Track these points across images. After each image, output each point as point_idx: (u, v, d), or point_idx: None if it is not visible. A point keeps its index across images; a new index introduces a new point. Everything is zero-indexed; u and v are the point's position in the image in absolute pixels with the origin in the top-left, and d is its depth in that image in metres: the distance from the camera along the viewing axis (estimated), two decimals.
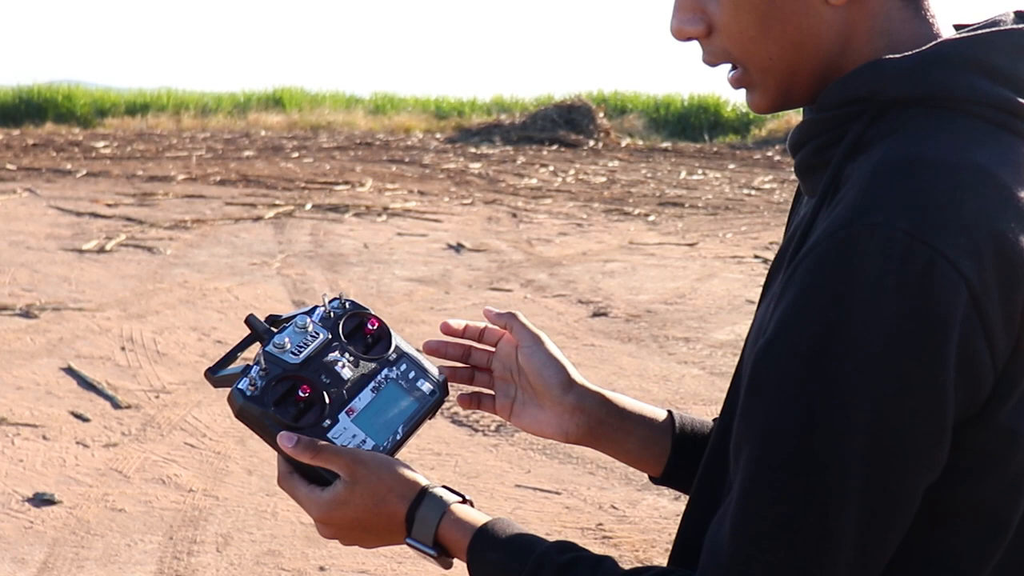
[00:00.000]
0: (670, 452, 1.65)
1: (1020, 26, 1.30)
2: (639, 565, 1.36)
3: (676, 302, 9.51)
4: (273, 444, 1.47)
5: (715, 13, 1.30)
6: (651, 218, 14.65)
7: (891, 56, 1.26)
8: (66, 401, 6.54)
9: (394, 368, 1.60)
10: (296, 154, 21.66)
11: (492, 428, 6.25)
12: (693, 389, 7.04)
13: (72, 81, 36.38)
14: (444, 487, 1.49)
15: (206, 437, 6.02)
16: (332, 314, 1.60)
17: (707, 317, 9.00)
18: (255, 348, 1.58)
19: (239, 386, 1.50)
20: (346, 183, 17.27)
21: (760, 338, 1.21)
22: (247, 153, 21.63)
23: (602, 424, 1.64)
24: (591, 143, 25.86)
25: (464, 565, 1.45)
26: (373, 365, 1.58)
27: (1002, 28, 1.29)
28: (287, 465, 1.49)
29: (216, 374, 1.58)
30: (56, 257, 10.84)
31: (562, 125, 26.94)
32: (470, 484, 5.53)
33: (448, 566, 1.48)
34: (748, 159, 23.29)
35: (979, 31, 1.29)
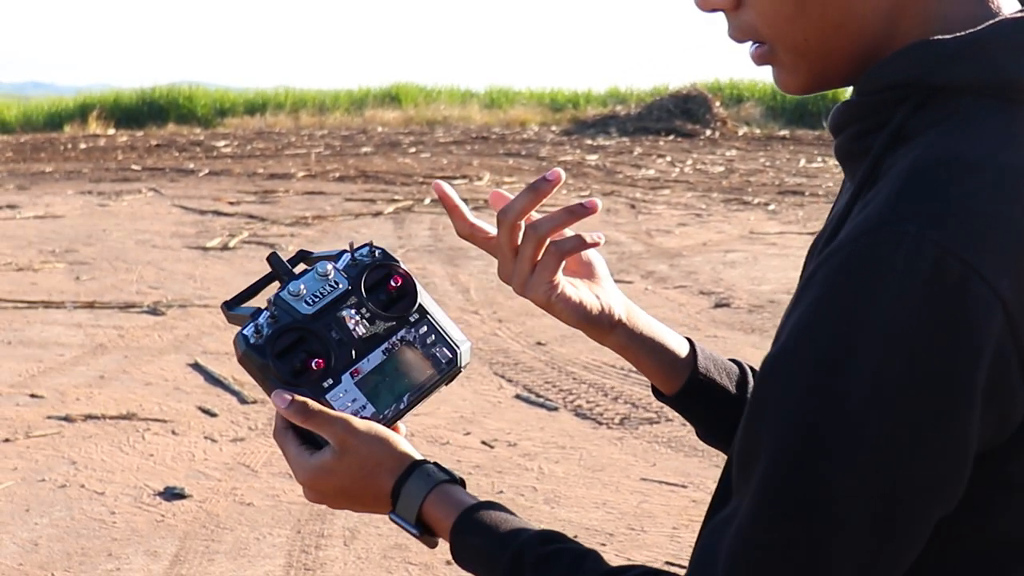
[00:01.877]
0: (682, 388, 1.53)
1: None
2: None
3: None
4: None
5: None
6: (771, 207, 14.47)
7: (941, 36, 1.10)
8: (194, 396, 6.63)
9: (412, 330, 1.46)
10: (413, 149, 21.79)
11: (616, 421, 6.21)
12: None
13: (192, 82, 36.96)
14: (436, 464, 1.39)
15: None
16: (357, 263, 1.48)
17: None
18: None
19: (244, 331, 1.41)
20: (463, 177, 17.31)
21: (775, 341, 1.08)
22: (365, 149, 21.81)
23: (628, 340, 1.53)
24: (708, 132, 25.68)
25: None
26: (390, 324, 1.45)
27: None
28: (283, 420, 1.42)
29: (232, 310, 1.48)
30: (181, 255, 11.01)
31: (678, 115, 26.78)
32: (595, 477, 5.49)
33: (432, 545, 1.41)
34: None
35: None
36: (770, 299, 9.08)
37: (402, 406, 1.43)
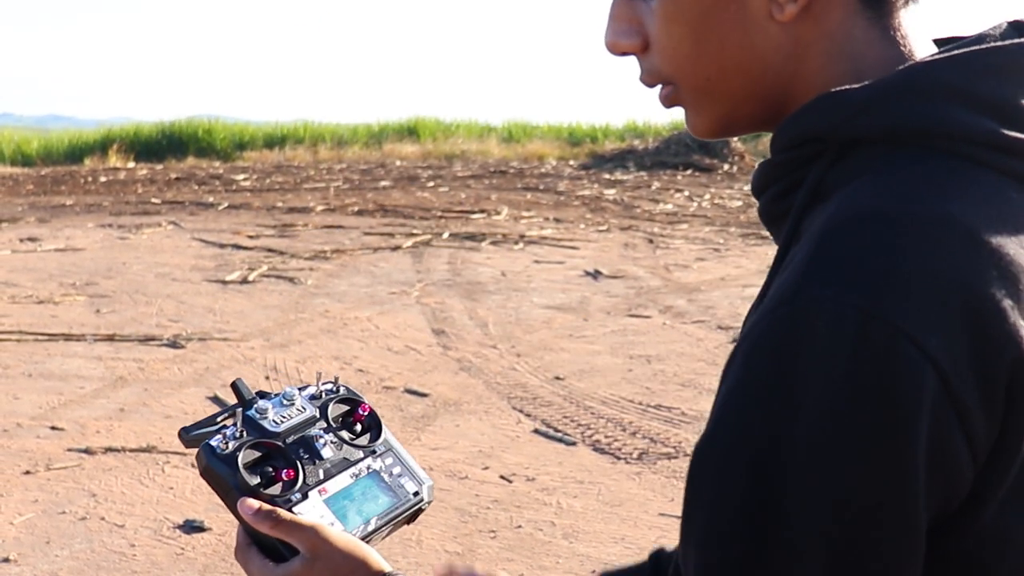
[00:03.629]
0: None
1: (1007, 42, 1.08)
2: None
3: None
4: (234, 510, 1.34)
5: (650, 26, 1.14)
6: None
7: (849, 87, 1.06)
8: None
9: (379, 459, 1.46)
10: (432, 183, 21.85)
11: (635, 456, 6.21)
12: None
13: (212, 116, 37.15)
14: None
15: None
16: (323, 394, 1.50)
17: None
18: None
19: (210, 442, 1.38)
20: (482, 211, 17.36)
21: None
22: (383, 183, 21.89)
23: None
24: (725, 167, 25.69)
25: None
26: (358, 453, 1.46)
27: (986, 46, 1.08)
28: (246, 536, 1.36)
29: (190, 433, 1.45)
30: (201, 288, 11.06)
31: (696, 149, 26.80)
32: (613, 512, 5.49)
33: None
34: None
35: (957, 51, 1.07)
36: None
37: (369, 528, 1.40)
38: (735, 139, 27.52)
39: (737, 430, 0.96)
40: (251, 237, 14.44)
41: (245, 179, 22.63)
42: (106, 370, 7.93)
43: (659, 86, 1.17)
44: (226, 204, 17.98)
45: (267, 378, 7.71)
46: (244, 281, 11.45)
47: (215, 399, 7.21)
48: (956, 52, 1.06)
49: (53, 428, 6.60)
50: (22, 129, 41.43)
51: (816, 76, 1.11)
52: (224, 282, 11.38)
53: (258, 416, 1.41)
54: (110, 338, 8.83)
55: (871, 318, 0.92)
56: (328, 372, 7.83)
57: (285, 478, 1.37)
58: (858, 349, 0.91)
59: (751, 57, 1.12)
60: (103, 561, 4.95)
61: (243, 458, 1.37)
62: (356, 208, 17.62)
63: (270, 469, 1.38)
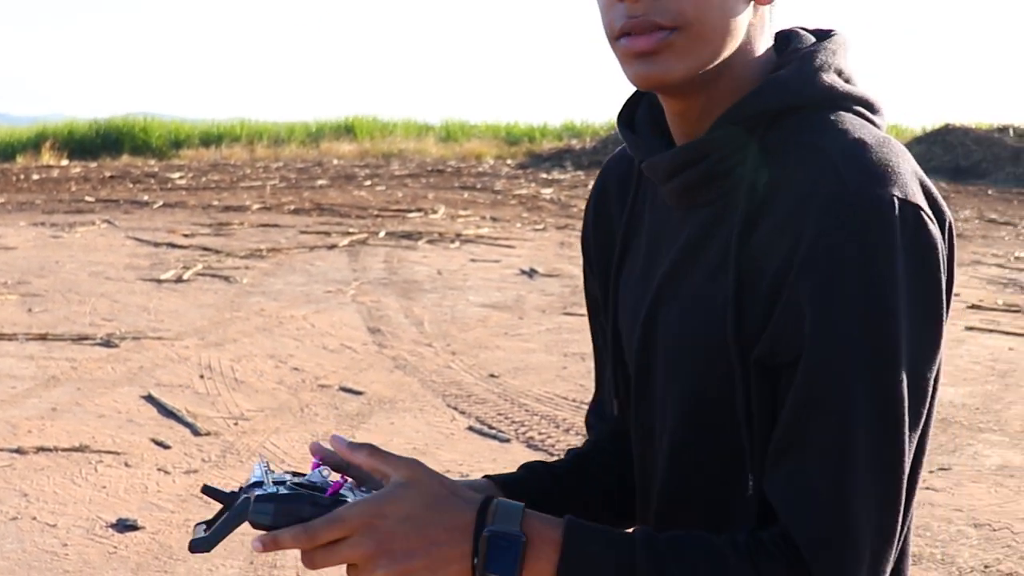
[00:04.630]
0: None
1: (839, 32, 1.49)
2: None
3: None
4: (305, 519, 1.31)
5: None
6: None
7: (784, 72, 1.41)
8: (147, 428, 6.64)
9: None
10: (369, 182, 21.84)
11: None
12: None
13: (147, 113, 36.90)
14: None
15: (284, 463, 6.09)
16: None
17: None
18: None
19: (247, 494, 1.34)
20: (419, 210, 17.38)
21: (792, 322, 1.31)
22: (320, 182, 21.84)
23: None
24: None
25: None
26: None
27: (838, 35, 1.48)
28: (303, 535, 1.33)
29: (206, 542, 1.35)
30: (135, 287, 11.01)
31: None
32: None
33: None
34: None
35: (825, 41, 1.46)
36: None
37: None
38: None
39: (869, 299, 1.28)
40: (186, 236, 14.38)
41: (181, 177, 22.51)
42: (38, 369, 7.88)
43: (657, 34, 1.36)
44: (161, 202, 17.88)
45: (201, 376, 7.70)
46: (179, 280, 11.41)
47: (149, 398, 7.19)
48: (827, 43, 1.45)
49: None
50: (14, 129, 40.87)
51: (752, 55, 1.43)
52: (159, 281, 11.33)
53: (268, 486, 1.36)
54: (42, 337, 8.78)
55: (907, 204, 1.28)
56: (263, 371, 7.83)
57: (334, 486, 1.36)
58: (910, 226, 1.28)
59: (742, 25, 1.40)
60: (35, 561, 4.94)
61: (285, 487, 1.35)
62: (292, 207, 17.59)
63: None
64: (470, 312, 10.03)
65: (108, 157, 29.60)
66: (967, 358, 8.54)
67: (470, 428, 6.74)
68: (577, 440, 6.45)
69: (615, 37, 1.39)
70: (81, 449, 6.26)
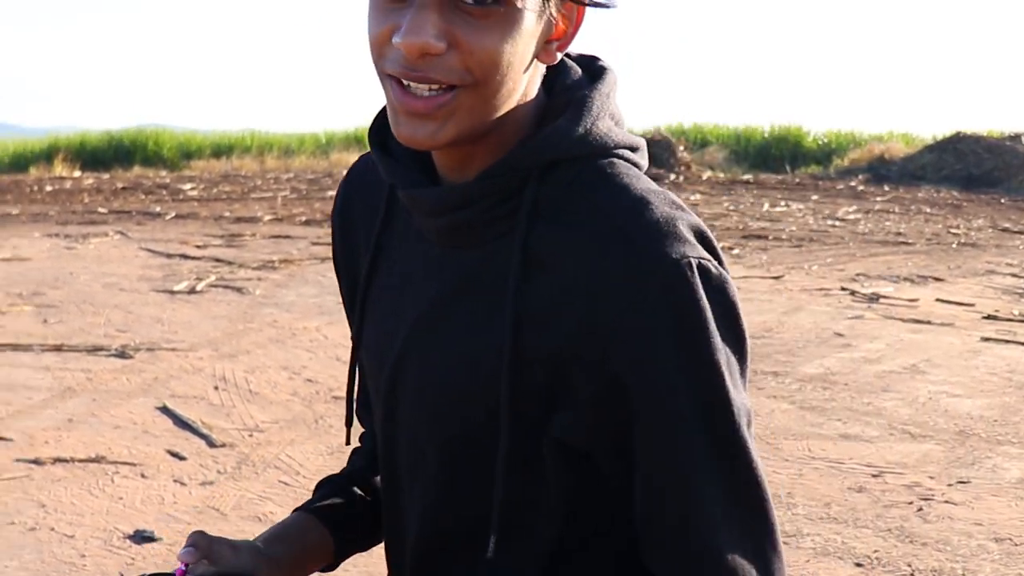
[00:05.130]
0: (335, 544, 1.69)
1: (610, 72, 1.46)
2: None
3: (763, 336, 9.46)
4: None
5: (461, 31, 1.27)
6: (735, 251, 14.60)
7: (562, 122, 1.37)
8: (162, 440, 6.64)
9: None
10: None
11: None
12: (783, 424, 7.00)
13: (158, 125, 37.00)
14: None
15: (299, 475, 6.09)
16: None
17: (795, 351, 8.95)
18: None
19: None
20: None
21: (637, 397, 1.33)
22: (331, 193, 21.84)
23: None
24: (672, 177, 25.83)
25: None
26: None
27: (609, 74, 1.45)
28: None
29: None
30: (148, 298, 11.02)
31: None
32: None
33: None
34: (831, 190, 23.18)
35: (599, 84, 1.42)
36: None
37: None
38: (682, 149, 27.71)
39: (704, 356, 1.32)
40: (199, 247, 14.40)
41: (192, 188, 22.54)
42: (54, 380, 7.89)
43: (434, 89, 1.30)
44: (173, 214, 17.91)
45: (216, 388, 7.71)
46: (192, 291, 11.42)
47: (164, 409, 7.19)
48: (600, 86, 1.42)
49: (1, 439, 6.57)
50: (28, 140, 40.96)
51: (527, 101, 1.39)
52: (172, 292, 11.35)
53: None
54: (58, 348, 8.79)
55: (700, 261, 1.31)
56: (277, 382, 7.84)
57: None
58: (716, 283, 1.32)
59: (526, 79, 1.35)
60: (53, 571, 4.94)
61: None
62: (304, 218, 17.61)
63: None
64: None
65: (120, 168, 29.66)
66: (983, 369, 8.52)
67: None
68: None
69: (386, 75, 1.33)
70: (97, 460, 6.27)
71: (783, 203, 20.69)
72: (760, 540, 1.35)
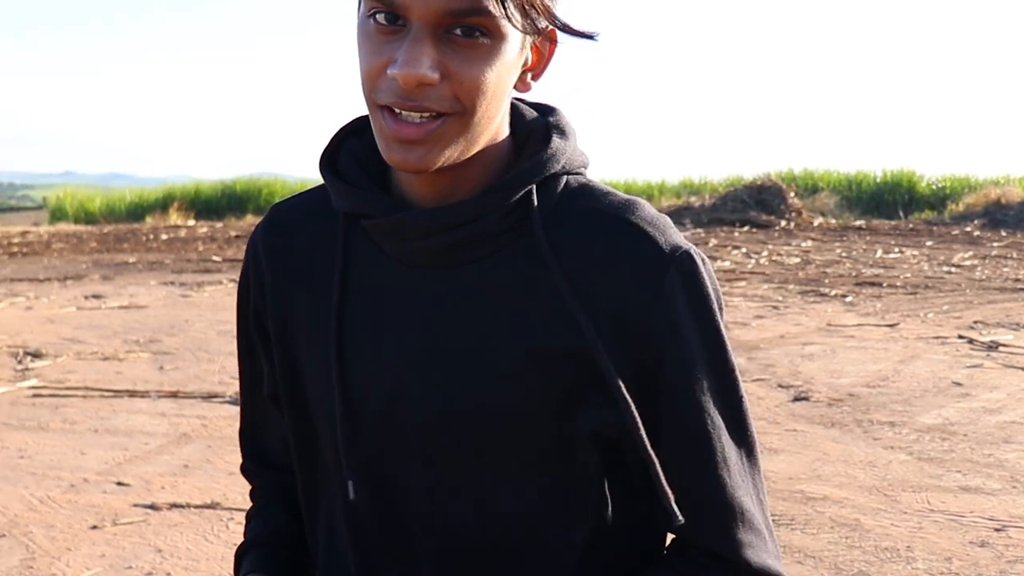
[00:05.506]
0: None
1: (558, 107, 1.60)
2: None
3: (879, 385, 9.31)
4: None
5: (452, 63, 1.35)
6: (848, 299, 14.42)
7: (556, 143, 1.51)
8: None
9: None
10: None
11: None
12: (901, 475, 6.86)
13: (271, 174, 37.55)
14: None
15: None
16: None
17: (912, 400, 8.79)
18: None
19: None
20: None
21: (664, 367, 1.47)
22: None
23: None
24: (783, 223, 25.64)
25: None
26: None
27: (560, 109, 1.59)
28: None
29: None
30: None
31: (753, 206, 26.77)
32: None
33: None
34: (946, 235, 22.81)
35: (559, 114, 1.58)
36: (850, 392, 9.03)
37: None
38: (792, 195, 27.50)
39: (710, 335, 1.50)
40: None
41: None
42: (170, 426, 8.00)
43: (425, 116, 1.37)
44: None
45: None
46: None
47: None
48: (562, 116, 1.57)
49: (119, 484, 6.67)
50: (85, 187, 41.96)
51: (503, 136, 1.50)
52: None
53: None
54: (173, 395, 8.92)
55: (694, 249, 1.49)
56: None
57: None
58: (706, 263, 1.50)
59: (501, 110, 1.44)
60: None
61: None
62: None
63: None
64: None
65: (233, 217, 30.18)
66: None
67: None
68: None
69: (378, 105, 1.39)
70: (213, 506, 6.33)
71: (897, 249, 20.40)
72: (760, 487, 1.55)
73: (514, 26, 1.37)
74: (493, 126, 1.44)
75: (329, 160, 1.57)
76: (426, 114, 1.36)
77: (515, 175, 1.47)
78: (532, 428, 1.48)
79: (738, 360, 10.29)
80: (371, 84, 1.38)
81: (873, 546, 5.67)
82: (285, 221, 1.65)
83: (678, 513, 1.46)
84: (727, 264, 18.40)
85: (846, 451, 7.37)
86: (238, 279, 1.71)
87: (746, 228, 24.97)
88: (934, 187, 31.30)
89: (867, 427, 7.98)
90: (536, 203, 1.48)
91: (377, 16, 1.37)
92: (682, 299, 1.45)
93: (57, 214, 36.07)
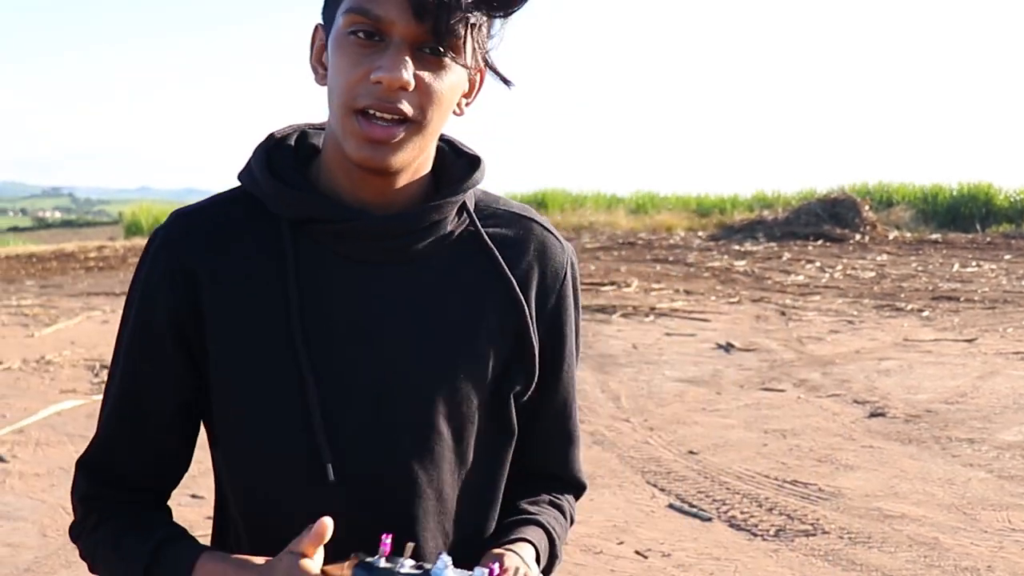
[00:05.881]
0: None
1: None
2: None
3: (957, 401, 9.18)
4: None
5: (422, 75, 1.57)
6: (925, 313, 14.24)
7: (480, 162, 1.77)
8: None
9: None
10: None
11: (772, 533, 6.12)
12: (980, 493, 6.75)
13: None
14: None
15: None
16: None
17: (992, 417, 8.65)
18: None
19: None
20: (612, 283, 17.35)
21: (550, 333, 1.79)
22: None
23: None
24: (857, 237, 25.41)
25: None
26: None
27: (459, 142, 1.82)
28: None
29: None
30: None
31: (826, 219, 26.56)
32: None
33: None
34: None
35: (468, 148, 1.81)
36: (927, 408, 8.90)
37: None
38: (867, 208, 27.24)
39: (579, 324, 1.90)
40: None
41: None
42: None
43: (399, 128, 1.58)
44: None
45: None
46: None
47: None
48: (472, 150, 1.81)
49: (193, 496, 6.70)
50: (159, 202, 42.42)
51: (430, 153, 1.71)
52: None
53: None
54: None
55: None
56: None
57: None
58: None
59: (442, 126, 1.66)
60: None
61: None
62: None
63: None
64: (667, 387, 9.93)
65: None
66: None
67: (670, 506, 6.63)
68: (779, 519, 6.30)
69: (354, 110, 1.57)
70: None
71: (974, 263, 20.14)
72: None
73: (465, 55, 1.60)
74: (435, 141, 1.68)
75: (269, 169, 1.69)
76: (396, 116, 1.56)
77: (462, 187, 1.72)
78: (483, 393, 1.73)
79: (813, 375, 10.26)
80: (350, 90, 1.57)
81: (952, 566, 5.57)
82: (205, 225, 1.70)
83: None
84: (800, 278, 18.24)
85: (924, 468, 7.27)
86: (138, 284, 1.70)
87: (820, 242, 24.76)
88: (1012, 200, 30.85)
89: (945, 444, 7.87)
90: (471, 208, 1.75)
91: (358, 32, 1.56)
92: (572, 285, 1.83)
93: (132, 228, 36.51)
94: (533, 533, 1.82)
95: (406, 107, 1.56)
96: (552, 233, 1.81)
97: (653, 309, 14.63)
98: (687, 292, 16.52)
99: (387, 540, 1.49)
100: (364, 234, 1.65)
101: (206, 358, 1.68)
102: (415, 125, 1.59)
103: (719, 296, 16.08)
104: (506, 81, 1.72)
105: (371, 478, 1.67)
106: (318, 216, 1.64)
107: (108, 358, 11.27)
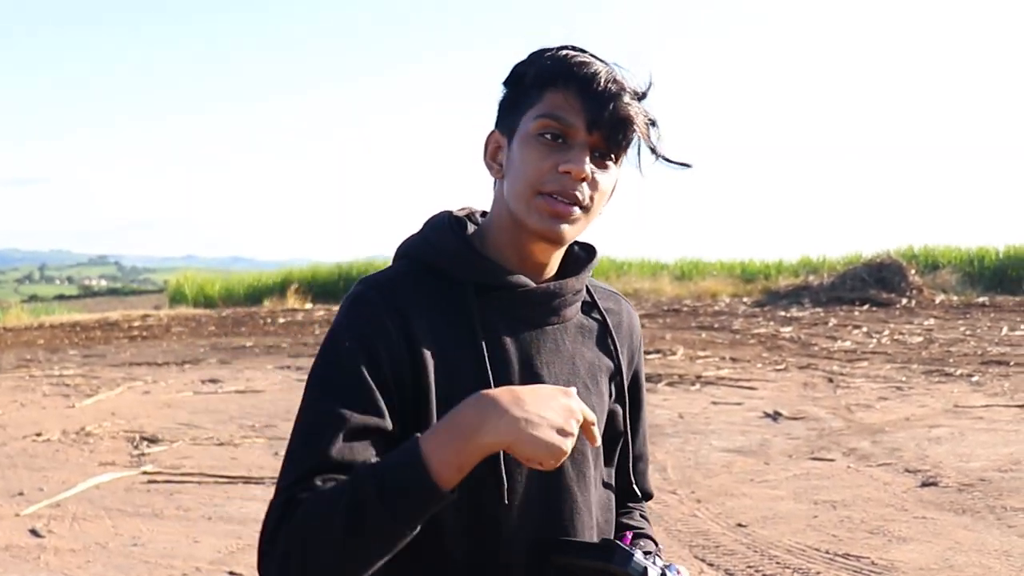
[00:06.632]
0: None
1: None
2: None
3: (1012, 469, 8.96)
4: None
5: (594, 172, 1.97)
6: (975, 378, 14.01)
7: (594, 248, 2.22)
8: None
9: None
10: None
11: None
12: None
13: (385, 257, 37.86)
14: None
15: None
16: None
17: None
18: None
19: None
20: (657, 351, 17.21)
21: (634, 381, 2.28)
22: None
23: None
24: (904, 301, 25.18)
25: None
26: None
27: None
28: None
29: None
30: None
31: (872, 284, 26.36)
32: None
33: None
34: None
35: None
36: (980, 477, 8.69)
37: None
38: (913, 272, 27.01)
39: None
40: None
41: None
42: None
43: (568, 206, 1.95)
44: None
45: None
46: None
47: None
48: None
49: (231, 573, 6.60)
50: (205, 271, 42.72)
51: None
52: None
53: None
54: None
55: None
56: None
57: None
58: None
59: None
60: None
61: None
62: None
63: None
64: (714, 457, 9.75)
65: None
66: None
67: None
68: None
69: (539, 191, 1.94)
70: None
71: (1023, 326, 19.85)
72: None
73: (621, 160, 2.03)
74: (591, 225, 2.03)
75: (463, 240, 2.04)
76: (573, 200, 1.95)
77: (590, 265, 2.16)
78: (602, 424, 2.15)
79: (862, 443, 10.06)
80: (539, 177, 1.94)
81: None
82: (398, 289, 1.98)
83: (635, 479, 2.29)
84: (847, 344, 18.03)
85: (979, 539, 7.07)
86: (356, 329, 1.91)
87: (866, 307, 24.54)
88: None
89: (1000, 514, 7.66)
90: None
91: (546, 134, 1.95)
92: (641, 342, 2.31)
93: (176, 297, 36.72)
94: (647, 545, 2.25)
95: (581, 196, 1.95)
96: (629, 305, 2.31)
97: (699, 377, 14.46)
98: (733, 359, 16.35)
99: (628, 535, 2.10)
100: (533, 300, 2.04)
101: (416, 394, 1.92)
102: (586, 209, 1.97)
103: (765, 363, 15.90)
104: (685, 165, 2.08)
105: (540, 502, 2.02)
106: (498, 283, 2.01)
107: (148, 430, 11.23)
